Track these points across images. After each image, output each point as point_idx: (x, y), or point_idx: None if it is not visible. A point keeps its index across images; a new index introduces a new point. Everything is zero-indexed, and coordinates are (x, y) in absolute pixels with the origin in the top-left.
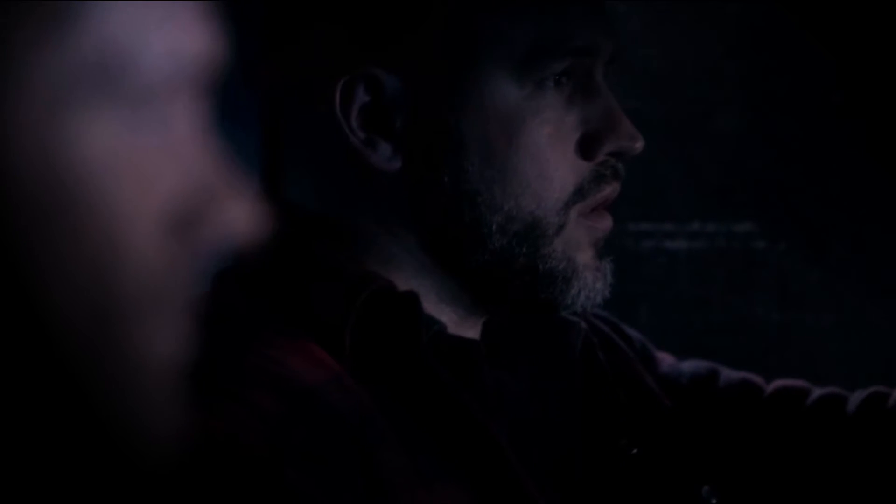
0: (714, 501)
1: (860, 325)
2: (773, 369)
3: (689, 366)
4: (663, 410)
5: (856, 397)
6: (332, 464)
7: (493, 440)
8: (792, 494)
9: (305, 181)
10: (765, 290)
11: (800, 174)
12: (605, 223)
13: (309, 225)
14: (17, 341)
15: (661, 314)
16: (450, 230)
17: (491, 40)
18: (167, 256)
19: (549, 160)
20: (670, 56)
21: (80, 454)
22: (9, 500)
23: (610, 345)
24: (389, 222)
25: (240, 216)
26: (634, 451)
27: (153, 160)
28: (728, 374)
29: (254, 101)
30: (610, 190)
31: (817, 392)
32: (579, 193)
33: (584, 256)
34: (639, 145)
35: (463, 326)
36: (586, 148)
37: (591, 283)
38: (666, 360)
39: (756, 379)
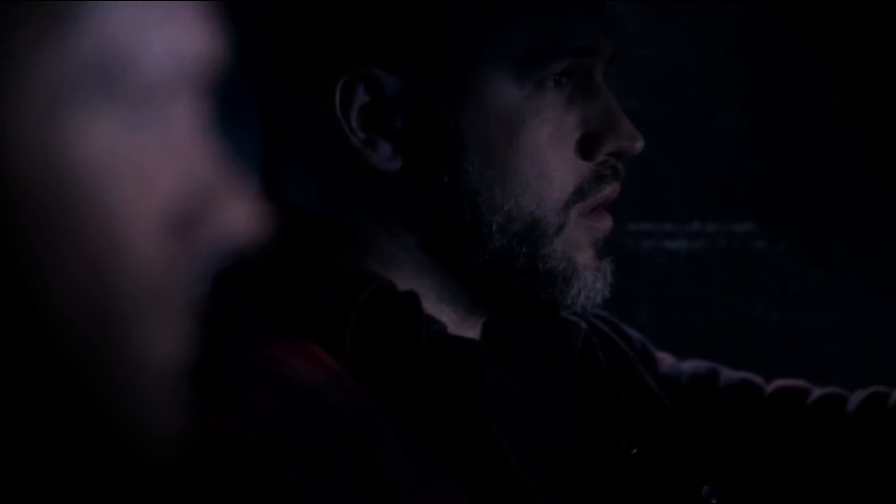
0: (714, 501)
1: (860, 325)
2: (773, 369)
3: (688, 366)
4: (663, 410)
5: (856, 397)
6: (332, 464)
7: (494, 440)
8: (792, 494)
9: (305, 181)
10: (765, 290)
11: (800, 174)
12: (606, 223)
13: (309, 225)
14: (17, 341)
15: (661, 314)
16: (450, 230)
17: (491, 40)
18: (167, 256)
19: (549, 160)
20: (670, 56)
21: (80, 454)
22: (9, 500)
23: (610, 345)
24: (389, 222)
25: (240, 216)
26: (634, 451)
27: (153, 160)
28: (728, 374)
29: (254, 101)
30: (610, 190)
31: (817, 392)
32: (579, 193)
33: (585, 256)
34: (639, 145)
35: (463, 326)
36: (586, 148)
37: (591, 283)
38: (666, 360)
39: (756, 379)
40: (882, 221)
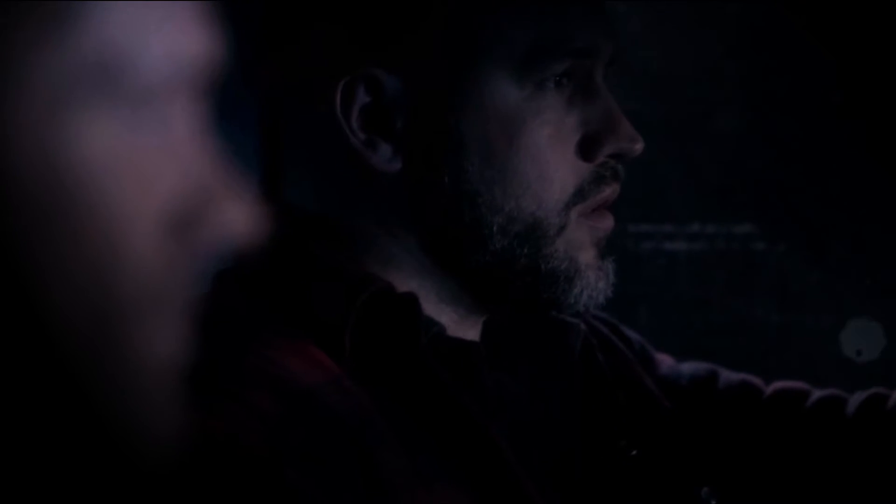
0: (713, 502)
1: None
2: (772, 371)
3: (688, 367)
4: (663, 412)
5: (855, 399)
6: (331, 464)
7: (493, 441)
8: (791, 496)
9: (305, 182)
10: (765, 291)
11: (800, 174)
12: (607, 222)
13: (309, 226)
14: (17, 341)
15: (661, 315)
16: (450, 231)
17: (491, 41)
18: (167, 257)
19: (549, 161)
20: (670, 56)
21: (80, 454)
22: (9, 500)
23: (609, 346)
24: (389, 223)
25: (239, 217)
26: (634, 452)
27: (153, 160)
28: (727, 375)
29: (254, 102)
30: (610, 191)
31: (817, 394)
32: (579, 195)
33: (587, 256)
34: (638, 147)
35: (463, 327)
36: (586, 149)
37: (593, 283)
38: (665, 361)
39: (755, 380)
40: (882, 221)
